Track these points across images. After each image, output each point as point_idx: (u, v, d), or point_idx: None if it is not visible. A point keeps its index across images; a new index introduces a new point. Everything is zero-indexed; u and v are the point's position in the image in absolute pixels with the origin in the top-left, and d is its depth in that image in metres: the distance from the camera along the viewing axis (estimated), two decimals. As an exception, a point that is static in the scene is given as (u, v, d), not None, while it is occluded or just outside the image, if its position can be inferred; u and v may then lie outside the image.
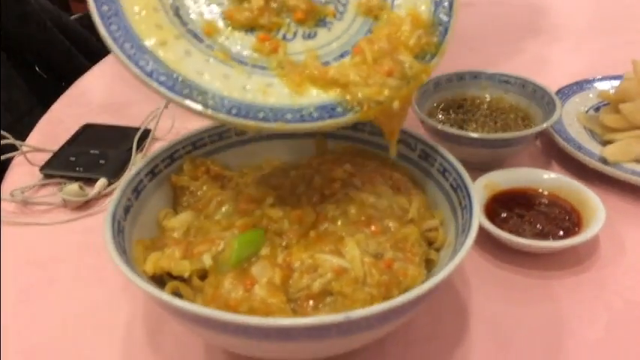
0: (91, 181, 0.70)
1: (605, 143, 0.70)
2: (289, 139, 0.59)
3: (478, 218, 0.45)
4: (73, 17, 1.31)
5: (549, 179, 0.63)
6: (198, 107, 0.44)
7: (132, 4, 0.46)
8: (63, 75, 1.12)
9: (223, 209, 0.51)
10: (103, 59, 1.05)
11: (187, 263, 0.46)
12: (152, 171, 0.53)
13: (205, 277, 0.46)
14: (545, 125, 0.65)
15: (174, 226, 0.50)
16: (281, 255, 0.45)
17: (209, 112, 0.44)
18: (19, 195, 0.68)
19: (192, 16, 0.49)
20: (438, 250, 0.50)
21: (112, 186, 0.70)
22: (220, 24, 0.49)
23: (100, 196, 0.69)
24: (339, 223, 0.48)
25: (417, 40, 0.49)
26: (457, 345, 0.50)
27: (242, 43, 0.49)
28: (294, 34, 0.51)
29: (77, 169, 0.72)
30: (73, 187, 0.67)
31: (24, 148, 0.76)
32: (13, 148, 0.75)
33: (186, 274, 0.45)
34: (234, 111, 0.45)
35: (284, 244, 0.47)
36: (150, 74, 0.44)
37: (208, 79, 0.45)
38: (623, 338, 0.51)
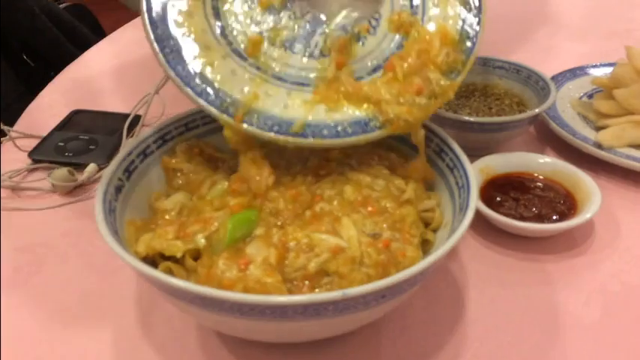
0: (80, 167, 0.69)
1: (599, 129, 0.70)
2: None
3: (476, 196, 0.45)
4: (61, 6, 1.29)
5: (544, 163, 0.63)
6: (244, 126, 0.47)
7: (182, 27, 0.48)
8: (50, 63, 1.11)
9: (216, 189, 0.50)
10: (92, 47, 1.04)
11: (180, 243, 0.45)
12: (144, 152, 0.52)
13: (198, 258, 0.45)
14: (539, 109, 0.65)
15: (166, 207, 0.49)
16: (276, 235, 0.44)
17: (256, 130, 0.47)
18: (6, 180, 0.67)
19: (237, 34, 0.50)
20: (434, 231, 0.49)
21: (102, 171, 0.69)
22: (265, 44, 0.51)
23: (90, 182, 0.68)
24: (335, 203, 0.47)
25: (445, 57, 0.50)
26: (453, 329, 0.50)
27: (282, 62, 0.51)
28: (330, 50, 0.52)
29: (66, 154, 0.71)
30: (62, 171, 0.66)
31: (12, 134, 0.74)
32: (1, 134, 0.74)
33: (179, 255, 0.44)
34: (275, 128, 0.48)
35: (279, 223, 0.46)
36: (200, 94, 0.47)
37: (252, 97, 0.48)
38: (619, 321, 0.50)
